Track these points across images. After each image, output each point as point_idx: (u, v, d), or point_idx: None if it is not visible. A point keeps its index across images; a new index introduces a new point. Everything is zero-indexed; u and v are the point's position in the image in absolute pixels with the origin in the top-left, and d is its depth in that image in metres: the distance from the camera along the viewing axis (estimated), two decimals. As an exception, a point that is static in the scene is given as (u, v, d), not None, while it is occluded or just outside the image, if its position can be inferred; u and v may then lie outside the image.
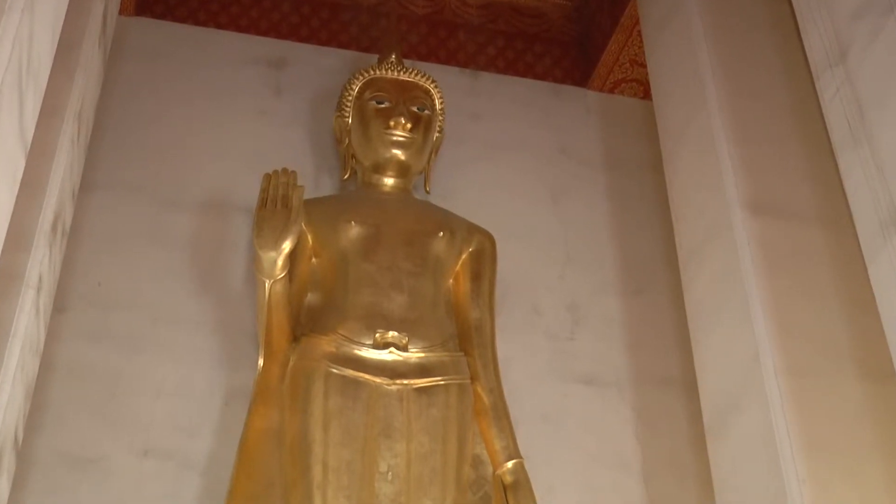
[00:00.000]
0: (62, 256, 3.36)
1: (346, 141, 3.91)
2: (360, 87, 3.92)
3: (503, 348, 3.68)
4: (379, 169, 3.82)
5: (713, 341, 3.31)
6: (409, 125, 3.79)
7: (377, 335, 3.38)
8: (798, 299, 3.10)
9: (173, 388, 3.55)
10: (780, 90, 3.46)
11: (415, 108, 3.86)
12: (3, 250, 2.53)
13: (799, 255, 3.17)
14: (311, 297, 3.59)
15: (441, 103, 4.00)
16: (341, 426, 3.24)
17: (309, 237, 3.62)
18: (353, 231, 3.60)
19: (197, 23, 4.37)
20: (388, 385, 3.33)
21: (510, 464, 3.39)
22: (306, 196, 3.42)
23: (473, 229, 3.83)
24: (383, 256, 3.55)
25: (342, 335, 3.38)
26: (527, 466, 3.42)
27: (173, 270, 3.76)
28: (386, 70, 3.94)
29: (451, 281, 3.73)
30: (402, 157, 3.80)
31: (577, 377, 3.89)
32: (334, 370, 3.31)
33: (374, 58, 4.19)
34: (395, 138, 3.79)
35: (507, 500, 3.34)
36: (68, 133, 3.23)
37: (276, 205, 3.31)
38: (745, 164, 3.33)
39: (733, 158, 3.33)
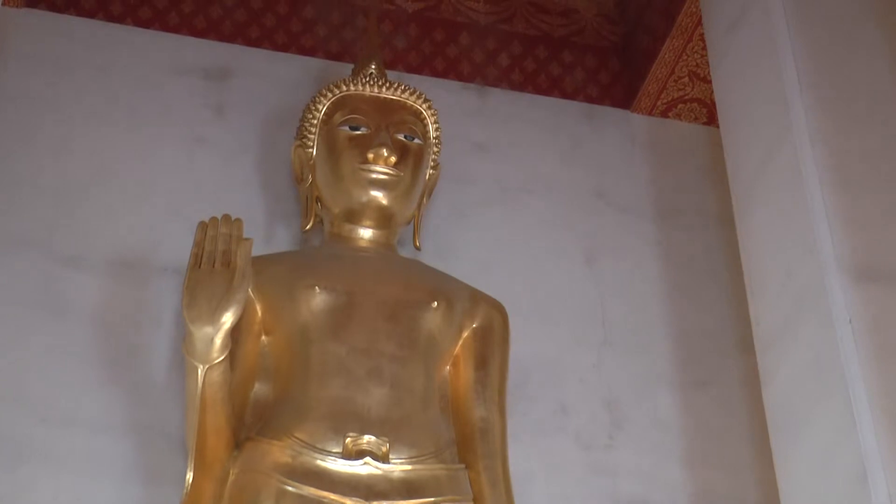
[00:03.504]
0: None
1: (309, 179, 3.91)
2: (328, 108, 3.92)
3: (519, 460, 3.66)
4: (353, 217, 3.82)
5: (803, 454, 3.27)
6: (393, 158, 3.79)
7: (348, 441, 3.35)
8: (919, 396, 3.08)
9: (70, 512, 3.51)
10: (892, 113, 3.47)
11: (401, 136, 3.87)
12: None
13: (919, 336, 3.16)
14: (259, 389, 3.58)
15: (437, 130, 4.01)
16: (299, 566, 3.22)
17: (258, 308, 3.61)
18: (318, 300, 3.58)
19: (110, 18, 4.40)
20: (362, 509, 3.30)
21: None
22: (255, 252, 3.40)
23: (478, 299, 3.82)
24: (358, 335, 3.54)
25: (301, 440, 3.35)
26: None
27: (71, 351, 3.74)
28: (363, 85, 3.96)
29: (448, 368, 3.72)
30: (384, 202, 3.80)
31: (619, 500, 3.87)
32: (290, 488, 3.28)
33: (348, 68, 4.21)
34: (374, 176, 3.79)
35: None
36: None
37: (213, 264, 3.29)
38: (846, 214, 3.32)
39: (830, 207, 3.33)
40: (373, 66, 4.04)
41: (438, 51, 4.64)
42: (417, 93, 4.00)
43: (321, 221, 3.93)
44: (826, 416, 3.17)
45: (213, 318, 3.21)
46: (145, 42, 4.38)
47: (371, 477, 3.33)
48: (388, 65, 4.25)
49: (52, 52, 4.27)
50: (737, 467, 3.96)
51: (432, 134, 3.99)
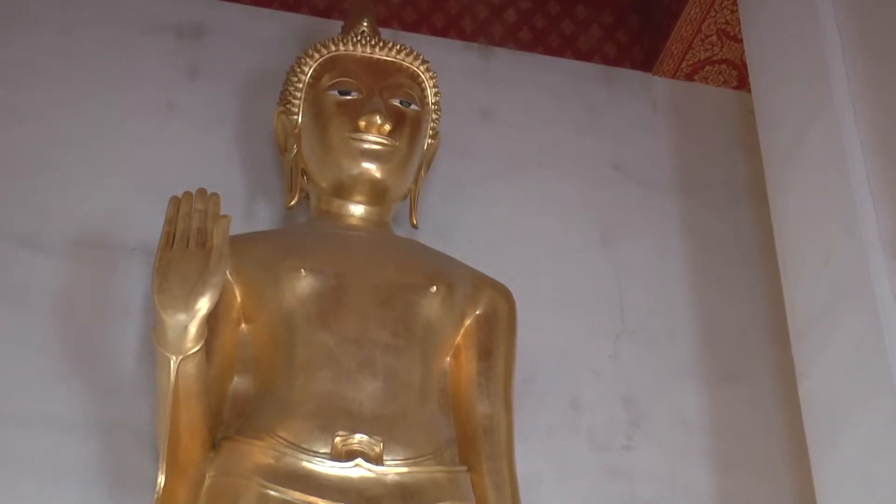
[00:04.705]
0: None
1: (294, 149, 3.91)
2: (314, 70, 3.92)
3: (526, 461, 3.66)
4: (342, 191, 3.83)
5: (844, 456, 3.29)
6: (387, 126, 3.79)
7: (337, 440, 3.36)
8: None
9: (28, 519, 3.53)
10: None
11: (396, 102, 3.87)
12: None
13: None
14: (238, 383, 3.59)
15: (436, 95, 4.01)
16: (282, 579, 3.24)
17: (237, 292, 3.62)
18: (304, 284, 3.59)
19: (71, -30, 4.39)
20: (353, 516, 3.31)
21: None
22: (234, 230, 3.40)
23: (482, 283, 3.83)
24: (348, 323, 3.54)
25: (285, 440, 3.36)
26: None
27: (28, 342, 3.75)
28: (353, 44, 3.95)
29: (448, 360, 3.74)
30: (378, 175, 3.80)
31: (638, 506, 3.89)
32: (272, 493, 3.28)
33: (337, 25, 4.21)
34: (366, 146, 3.79)
35: None
36: None
37: (187, 244, 3.29)
38: (892, 189, 3.33)
39: (874, 181, 3.34)
40: (364, 24, 4.03)
41: (438, 6, 4.64)
42: (414, 53, 3.99)
43: (307, 196, 3.94)
44: (869, 415, 3.18)
45: (187, 304, 3.20)
46: (110, -4, 4.39)
47: (363, 480, 3.33)
48: (381, 22, 4.25)
49: (2, 9, 4.26)
50: (769, 471, 3.98)
51: (431, 99, 3.99)
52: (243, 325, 3.65)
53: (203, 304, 3.22)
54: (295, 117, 3.92)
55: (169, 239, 3.30)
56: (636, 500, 3.90)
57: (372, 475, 3.35)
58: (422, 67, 3.99)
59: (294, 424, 3.39)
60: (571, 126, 4.51)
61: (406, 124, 3.86)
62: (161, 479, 3.32)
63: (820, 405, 3.43)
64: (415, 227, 3.96)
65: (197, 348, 3.26)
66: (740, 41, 4.24)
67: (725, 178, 4.51)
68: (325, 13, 4.50)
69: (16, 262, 3.86)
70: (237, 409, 3.54)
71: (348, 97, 3.84)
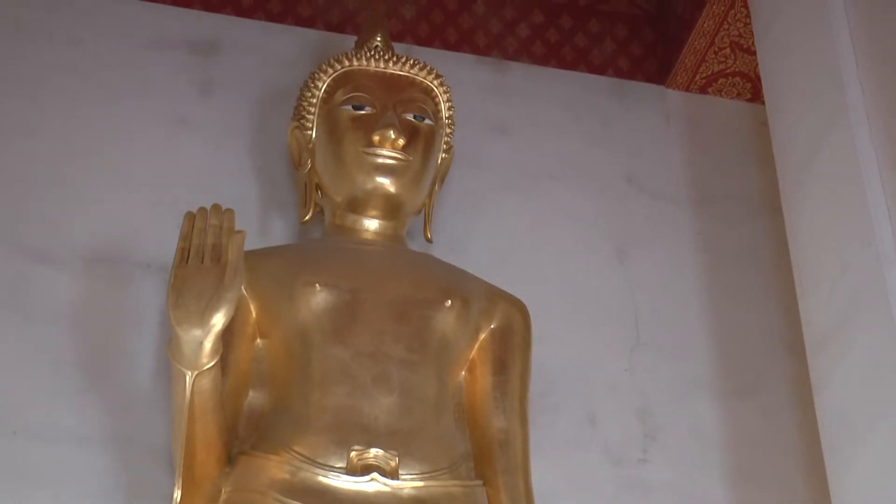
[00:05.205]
0: None
1: (308, 164, 3.92)
2: (328, 85, 3.93)
3: (542, 475, 3.67)
4: (357, 206, 3.83)
5: (861, 471, 3.28)
6: (401, 141, 3.80)
7: (353, 455, 3.36)
8: None
9: (44, 534, 3.53)
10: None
11: (410, 117, 3.88)
12: None
13: None
14: (253, 398, 3.59)
15: (449, 109, 4.02)
16: None
17: (252, 308, 3.63)
18: (319, 299, 3.59)
19: (83, -16, 4.40)
20: (368, 531, 3.31)
21: None
22: (249, 245, 3.41)
23: (497, 296, 3.84)
24: (363, 337, 3.54)
25: (300, 454, 3.36)
26: None
27: (43, 357, 3.75)
28: (367, 59, 3.96)
29: (463, 374, 3.74)
30: (392, 189, 3.80)
31: (655, 520, 3.88)
32: (288, 508, 3.31)
33: (350, 40, 4.22)
34: (380, 161, 3.79)
35: None
36: None
37: (202, 259, 3.30)
38: (908, 201, 3.33)
39: (889, 193, 3.33)
40: (378, 39, 4.05)
41: (451, 21, 4.65)
42: (428, 68, 4.00)
43: (322, 211, 3.94)
44: (887, 427, 3.17)
45: (203, 319, 3.21)
46: (122, 11, 4.38)
47: (378, 495, 3.33)
48: (395, 37, 4.25)
49: (13, 23, 4.27)
50: (784, 485, 3.97)
51: (445, 113, 4.00)
52: (258, 340, 3.65)
53: (218, 320, 3.22)
54: (309, 132, 3.92)
55: (184, 255, 3.31)
56: (654, 514, 3.91)
57: (387, 490, 3.34)
58: (435, 82, 3.99)
59: (309, 439, 3.39)
60: (585, 139, 4.51)
61: (420, 139, 3.86)
62: (177, 495, 3.34)
63: (836, 418, 3.42)
64: (429, 241, 3.96)
65: (212, 363, 3.26)
66: (754, 53, 4.24)
67: (740, 191, 4.50)
68: (338, 28, 4.50)
69: (29, 277, 3.86)
70: (252, 424, 3.55)
71: (362, 112, 3.85)
